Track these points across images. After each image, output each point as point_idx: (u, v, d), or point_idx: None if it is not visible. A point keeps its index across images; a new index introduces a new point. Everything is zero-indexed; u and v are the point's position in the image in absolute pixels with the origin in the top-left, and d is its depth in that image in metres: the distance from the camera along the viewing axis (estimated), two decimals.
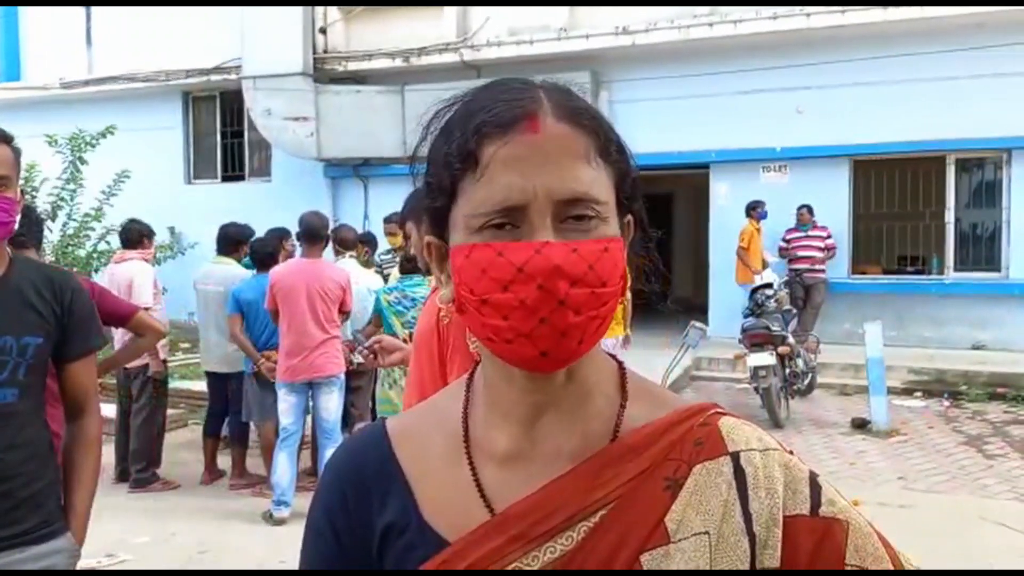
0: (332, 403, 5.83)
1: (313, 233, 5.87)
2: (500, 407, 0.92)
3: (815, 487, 0.88)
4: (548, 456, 0.90)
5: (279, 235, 6.92)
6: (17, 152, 2.17)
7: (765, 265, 10.56)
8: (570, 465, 0.88)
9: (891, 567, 0.86)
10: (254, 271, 6.48)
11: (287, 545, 4.91)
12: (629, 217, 0.93)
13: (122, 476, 6.52)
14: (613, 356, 0.98)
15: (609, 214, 0.86)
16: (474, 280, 0.83)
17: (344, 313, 5.93)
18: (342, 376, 5.92)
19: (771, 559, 0.84)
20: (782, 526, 0.85)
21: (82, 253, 9.73)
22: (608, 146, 0.88)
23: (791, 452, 0.92)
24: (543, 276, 0.80)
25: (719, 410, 0.93)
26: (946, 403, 8.93)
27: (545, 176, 0.82)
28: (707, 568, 0.83)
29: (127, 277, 6.42)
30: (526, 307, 0.81)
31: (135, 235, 6.70)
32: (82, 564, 2.36)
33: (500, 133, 0.83)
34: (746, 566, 0.84)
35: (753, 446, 0.89)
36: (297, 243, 6.61)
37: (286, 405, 5.75)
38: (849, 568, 0.85)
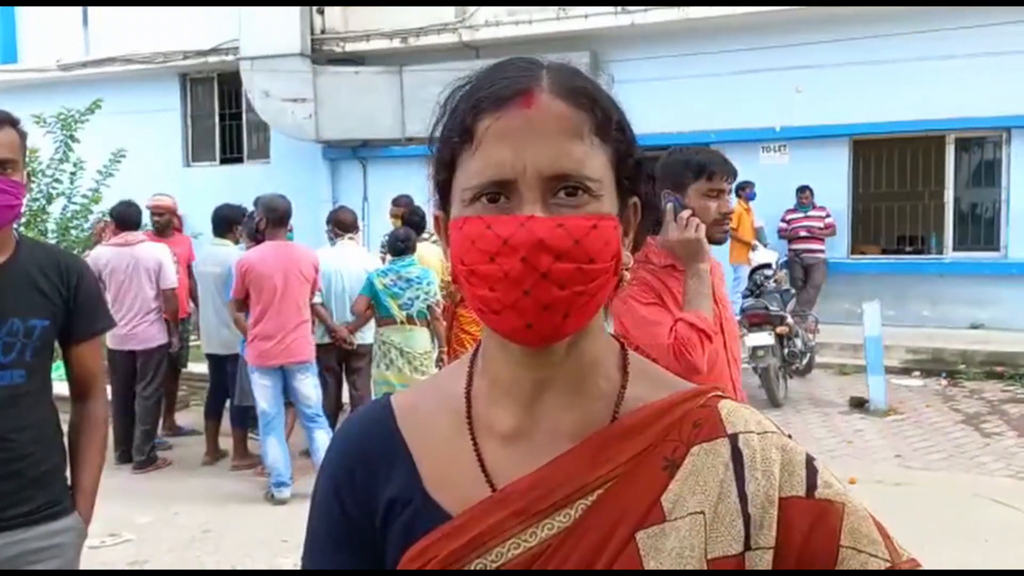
0: (308, 388, 5.78)
1: (281, 215, 5.79)
2: (502, 385, 0.94)
3: (811, 469, 0.89)
4: (549, 435, 0.91)
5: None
6: (23, 135, 2.18)
7: (756, 236, 10.60)
8: (570, 444, 0.90)
9: (885, 551, 0.87)
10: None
11: (289, 524, 4.95)
12: (635, 200, 0.94)
13: (123, 458, 6.55)
14: (616, 337, 0.98)
15: (603, 192, 0.87)
16: (465, 251, 0.85)
17: (313, 293, 5.90)
18: (313, 360, 5.88)
19: (766, 539, 0.86)
20: (778, 507, 0.86)
21: (82, 235, 9.75)
22: (606, 125, 0.88)
23: (789, 436, 0.93)
24: (526, 249, 0.81)
25: (719, 393, 0.94)
26: (944, 382, 8.96)
27: (535, 151, 0.84)
28: (701, 547, 0.85)
29: (155, 260, 6.49)
30: (510, 279, 0.82)
31: (137, 217, 6.74)
32: (85, 545, 2.39)
33: (495, 108, 0.85)
34: (741, 546, 0.85)
35: (751, 428, 0.90)
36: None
37: (262, 389, 5.69)
38: (843, 548, 0.86)
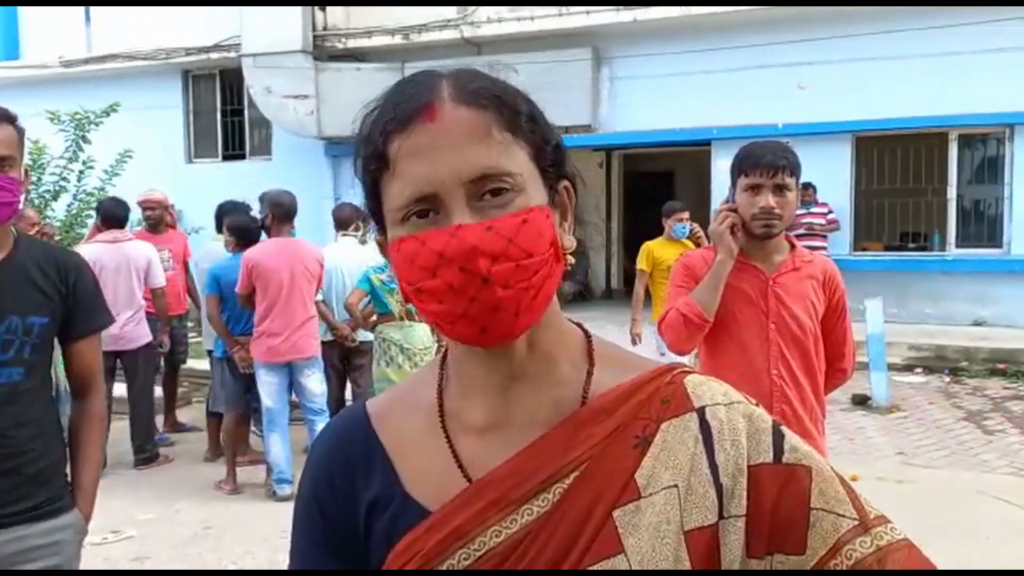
0: (314, 383, 5.79)
1: (286, 211, 5.76)
2: (471, 382, 0.96)
3: (778, 435, 0.91)
4: (522, 424, 0.93)
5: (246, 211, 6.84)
6: (21, 132, 2.18)
7: None
8: (543, 431, 0.92)
9: (853, 510, 0.89)
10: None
11: (290, 520, 4.94)
12: (565, 183, 0.95)
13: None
14: (579, 324, 1.01)
15: (526, 185, 0.88)
16: (407, 271, 0.88)
17: (318, 289, 5.89)
18: (320, 356, 5.89)
19: (738, 507, 0.88)
20: (747, 475, 0.88)
21: (85, 232, 9.74)
22: (515, 119, 0.89)
23: (757, 404, 0.95)
24: (461, 258, 0.83)
25: (686, 369, 0.96)
26: (946, 379, 8.95)
27: (448, 160, 0.85)
28: (678, 520, 0.87)
29: (144, 258, 6.42)
30: (454, 290, 0.84)
31: (124, 214, 6.62)
32: (87, 541, 2.39)
33: (401, 128, 0.87)
34: (715, 516, 0.87)
35: (718, 400, 0.92)
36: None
37: (267, 386, 5.67)
38: (814, 510, 0.88)
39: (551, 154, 0.92)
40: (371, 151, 0.89)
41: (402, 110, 0.87)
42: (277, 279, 5.55)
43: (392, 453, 0.97)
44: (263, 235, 6.05)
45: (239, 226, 6.19)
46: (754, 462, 0.89)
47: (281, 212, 5.74)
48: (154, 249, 6.68)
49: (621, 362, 0.98)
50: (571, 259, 0.92)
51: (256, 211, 6.99)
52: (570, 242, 0.93)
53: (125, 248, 6.42)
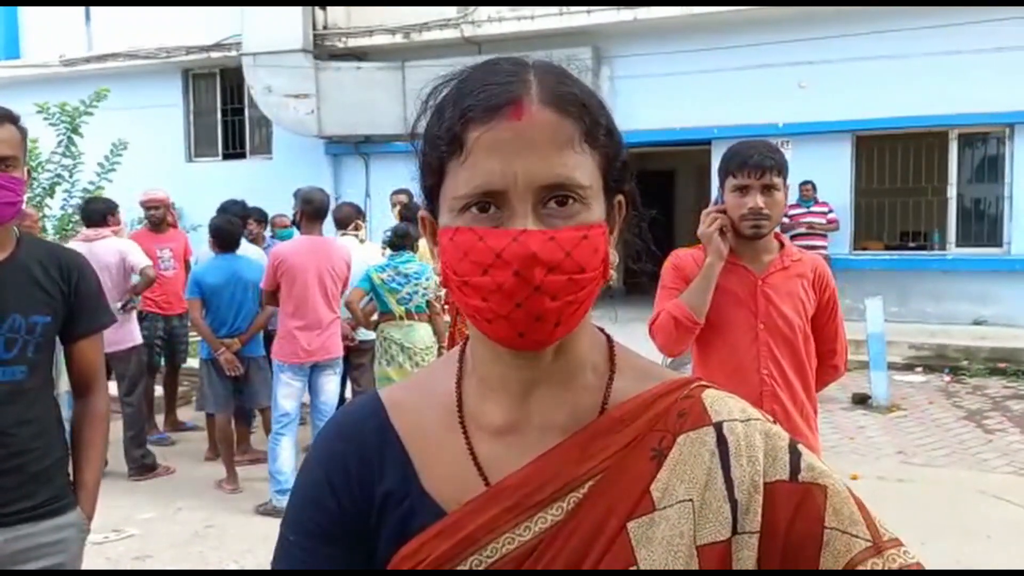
0: (333, 385, 5.73)
1: (317, 208, 5.70)
2: (491, 382, 0.94)
3: (795, 454, 0.91)
4: (540, 429, 0.92)
5: (241, 214, 6.78)
6: (23, 132, 2.18)
7: None
8: (561, 437, 0.91)
9: (867, 532, 0.88)
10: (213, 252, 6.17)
11: None
12: (620, 197, 0.94)
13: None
14: (602, 329, 1.00)
15: (592, 199, 0.87)
16: (456, 262, 0.86)
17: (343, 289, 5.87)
18: (341, 358, 5.84)
19: (752, 524, 0.87)
20: (763, 492, 0.88)
21: (81, 231, 9.69)
22: (595, 131, 0.88)
23: (773, 422, 0.94)
24: (519, 263, 0.82)
25: (703, 383, 0.96)
26: (946, 378, 8.96)
27: (526, 162, 0.84)
28: (691, 534, 0.86)
29: (116, 253, 6.20)
30: (503, 291, 0.83)
31: (99, 212, 6.47)
32: (89, 540, 2.39)
33: (485, 118, 0.84)
34: (729, 532, 0.87)
35: (735, 416, 0.92)
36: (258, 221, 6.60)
37: (290, 390, 5.53)
38: (828, 529, 0.87)
39: (618, 170, 0.92)
40: (446, 132, 0.87)
41: (487, 99, 0.85)
42: (303, 278, 5.45)
43: (408, 446, 0.95)
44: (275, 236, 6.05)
45: (218, 228, 6.12)
46: (770, 479, 0.89)
47: (311, 209, 5.66)
48: (132, 244, 6.46)
49: (640, 371, 0.98)
50: (613, 274, 0.91)
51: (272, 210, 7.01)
52: (614, 257, 0.92)
53: (95, 248, 6.08)
